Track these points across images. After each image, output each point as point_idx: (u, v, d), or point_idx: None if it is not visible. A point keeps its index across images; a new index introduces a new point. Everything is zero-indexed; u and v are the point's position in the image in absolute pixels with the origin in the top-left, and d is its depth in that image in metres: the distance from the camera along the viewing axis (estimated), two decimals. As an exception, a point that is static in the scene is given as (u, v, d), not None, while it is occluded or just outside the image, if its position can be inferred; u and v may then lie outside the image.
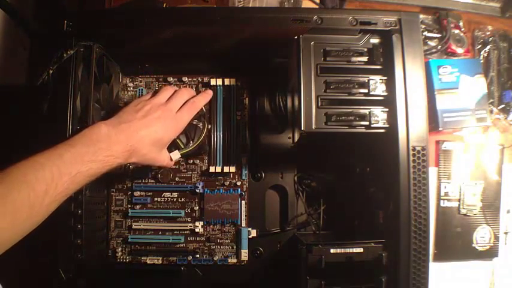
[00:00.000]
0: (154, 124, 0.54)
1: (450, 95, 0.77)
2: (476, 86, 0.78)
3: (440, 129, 0.76)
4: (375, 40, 0.56)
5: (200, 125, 0.62)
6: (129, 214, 0.64)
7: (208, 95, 0.63)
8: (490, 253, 0.79)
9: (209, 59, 0.66)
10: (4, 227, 0.39)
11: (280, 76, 0.64)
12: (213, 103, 0.66)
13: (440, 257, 0.77)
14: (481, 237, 0.79)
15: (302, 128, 0.53)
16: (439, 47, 0.81)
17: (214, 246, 0.65)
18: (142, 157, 0.53)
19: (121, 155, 0.50)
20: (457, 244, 0.78)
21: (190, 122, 0.59)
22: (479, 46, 0.85)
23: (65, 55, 0.53)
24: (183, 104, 0.59)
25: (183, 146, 0.60)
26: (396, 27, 0.54)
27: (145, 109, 0.55)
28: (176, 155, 0.59)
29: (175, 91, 0.60)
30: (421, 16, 0.82)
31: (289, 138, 0.66)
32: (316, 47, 0.54)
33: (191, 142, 0.61)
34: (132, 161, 0.53)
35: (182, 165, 0.66)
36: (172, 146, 0.59)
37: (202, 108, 0.62)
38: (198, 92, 0.66)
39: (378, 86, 0.54)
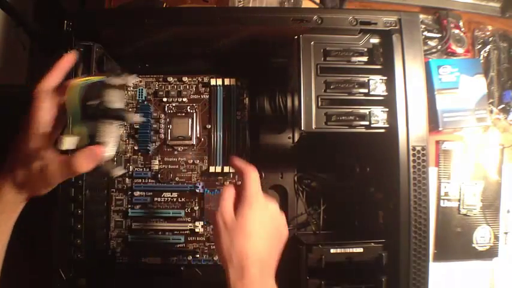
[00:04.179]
0: None
1: (450, 95, 0.77)
2: (476, 86, 0.78)
3: (440, 129, 0.76)
4: (375, 40, 0.56)
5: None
6: (129, 214, 0.64)
7: None
8: (490, 253, 0.79)
9: (209, 59, 0.65)
10: None
11: (280, 76, 0.63)
12: (213, 103, 0.66)
13: (440, 257, 0.77)
14: (481, 237, 0.79)
15: (302, 128, 0.53)
16: (439, 47, 0.81)
17: (214, 246, 0.64)
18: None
19: None
20: (457, 244, 0.78)
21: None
22: (479, 46, 0.85)
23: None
24: None
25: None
26: (396, 27, 0.54)
27: None
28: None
29: None
30: (421, 16, 0.82)
31: (289, 138, 0.66)
32: (316, 47, 0.54)
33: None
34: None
35: (182, 165, 0.66)
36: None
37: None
38: (198, 91, 0.67)
39: (377, 86, 0.54)
